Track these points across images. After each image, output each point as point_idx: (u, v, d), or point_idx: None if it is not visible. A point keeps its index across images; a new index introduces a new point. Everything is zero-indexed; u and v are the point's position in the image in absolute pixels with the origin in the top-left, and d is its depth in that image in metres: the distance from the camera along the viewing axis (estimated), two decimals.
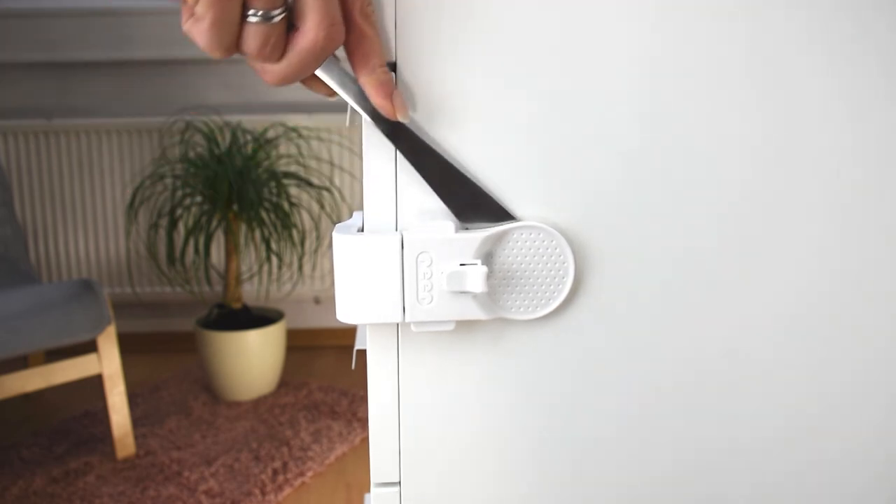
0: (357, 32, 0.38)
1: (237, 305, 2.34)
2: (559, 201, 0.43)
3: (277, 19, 0.35)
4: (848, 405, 0.47)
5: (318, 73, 0.39)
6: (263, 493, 1.77)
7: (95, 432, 2.07)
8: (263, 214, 2.24)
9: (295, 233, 2.31)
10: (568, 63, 0.41)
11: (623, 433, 0.47)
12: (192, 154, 2.30)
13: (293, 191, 2.38)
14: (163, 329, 2.75)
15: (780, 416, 0.47)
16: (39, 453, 1.97)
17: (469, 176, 0.42)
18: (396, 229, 0.43)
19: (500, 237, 0.42)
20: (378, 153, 0.42)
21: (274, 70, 0.37)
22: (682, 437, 0.47)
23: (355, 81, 0.39)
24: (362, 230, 0.43)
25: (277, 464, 1.90)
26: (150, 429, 2.09)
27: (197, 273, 2.38)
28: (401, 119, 0.40)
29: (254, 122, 2.45)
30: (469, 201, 0.42)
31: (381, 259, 0.41)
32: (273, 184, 2.28)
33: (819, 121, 0.43)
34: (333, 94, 0.40)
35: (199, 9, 0.34)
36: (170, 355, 2.65)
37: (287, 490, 1.80)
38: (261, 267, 2.38)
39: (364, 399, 2.27)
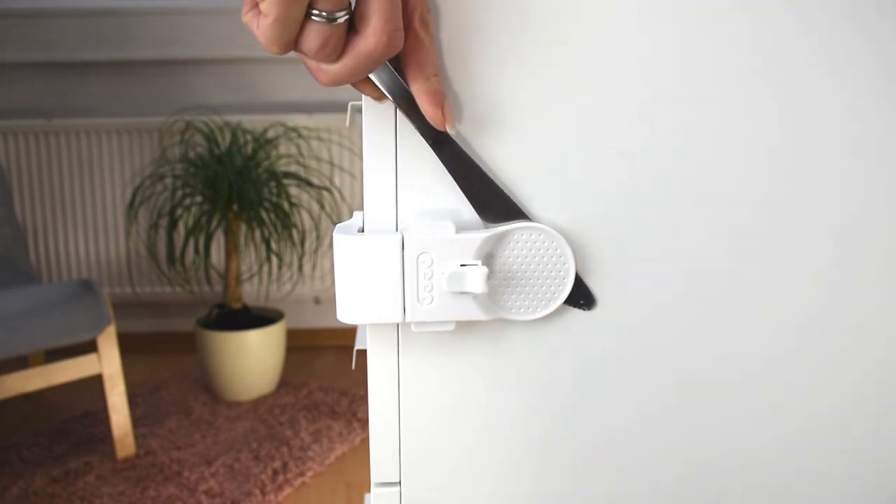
0: (414, 39, 0.38)
1: (237, 305, 2.34)
2: (560, 202, 0.43)
3: (341, 20, 0.35)
4: (850, 407, 0.47)
5: (372, 76, 0.39)
6: (263, 493, 1.77)
7: (95, 432, 2.07)
8: (263, 214, 2.24)
9: (295, 233, 2.31)
10: (570, 64, 0.41)
11: (623, 434, 0.47)
12: (192, 154, 2.30)
13: (293, 191, 2.38)
14: (163, 329, 2.75)
15: (781, 417, 0.47)
16: (39, 453, 1.97)
17: (503, 188, 0.42)
18: (397, 230, 0.43)
19: (500, 238, 0.42)
20: (378, 153, 0.42)
21: (330, 70, 0.37)
22: (683, 437, 0.47)
23: (406, 88, 0.39)
24: (363, 230, 0.43)
25: (277, 464, 1.90)
26: (150, 429, 2.09)
27: (197, 273, 2.38)
28: (449, 130, 0.40)
29: (254, 122, 2.45)
30: (503, 212, 0.42)
31: (382, 259, 0.41)
32: (273, 184, 2.28)
33: (823, 123, 0.43)
34: (382, 97, 0.40)
35: (265, 5, 0.34)
36: (170, 355, 2.65)
37: (287, 490, 1.80)
38: (261, 267, 2.38)
39: (364, 399, 2.27)
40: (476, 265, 0.41)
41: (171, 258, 2.27)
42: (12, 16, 2.50)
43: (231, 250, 2.29)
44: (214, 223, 2.23)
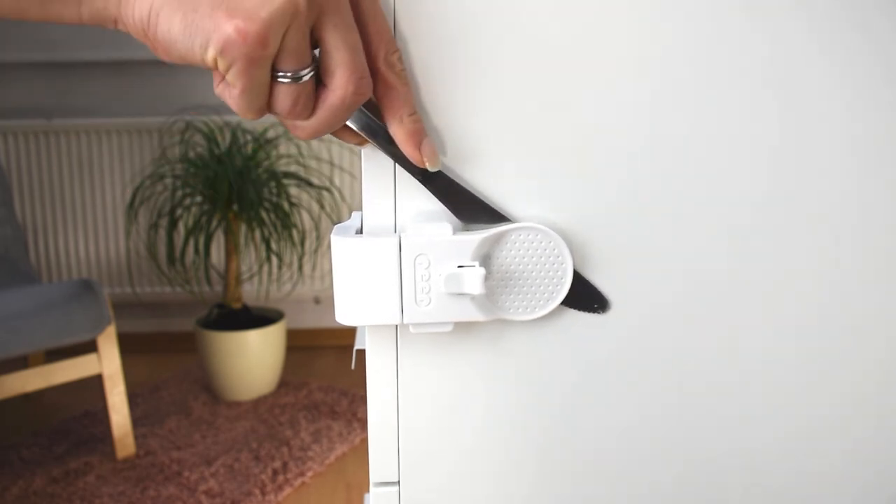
0: (384, 83, 0.38)
1: (237, 305, 2.34)
2: (557, 202, 0.43)
3: (306, 78, 0.36)
4: (850, 407, 0.47)
5: (349, 123, 0.40)
6: (263, 493, 1.77)
7: (95, 432, 2.07)
8: (263, 214, 2.24)
9: (295, 233, 2.31)
10: (569, 63, 0.41)
11: (623, 433, 0.47)
12: (192, 154, 2.30)
13: (293, 191, 2.39)
14: (163, 329, 2.75)
15: (782, 417, 0.47)
16: (39, 453, 1.97)
17: (499, 209, 0.42)
18: (395, 231, 0.43)
19: (497, 238, 0.42)
20: (377, 155, 0.41)
21: (306, 126, 0.38)
22: (683, 437, 0.47)
23: (385, 130, 0.40)
24: (361, 231, 0.43)
25: (277, 464, 1.90)
26: (150, 429, 2.09)
27: (197, 273, 2.38)
28: (430, 168, 0.40)
29: (254, 121, 2.45)
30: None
31: (380, 261, 0.41)
32: (273, 184, 2.28)
33: (823, 123, 0.43)
34: (364, 142, 0.41)
35: (231, 77, 0.35)
36: (170, 355, 2.65)
37: (287, 490, 1.80)
38: (261, 267, 2.38)
39: (364, 399, 2.27)
40: (473, 266, 0.41)
41: (171, 258, 2.27)
42: None
43: (231, 250, 2.29)
44: (214, 223, 2.23)
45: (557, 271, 0.42)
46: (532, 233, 0.42)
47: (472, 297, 0.42)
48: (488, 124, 0.42)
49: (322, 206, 2.39)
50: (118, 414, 1.92)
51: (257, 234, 2.28)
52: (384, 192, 0.42)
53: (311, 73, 0.36)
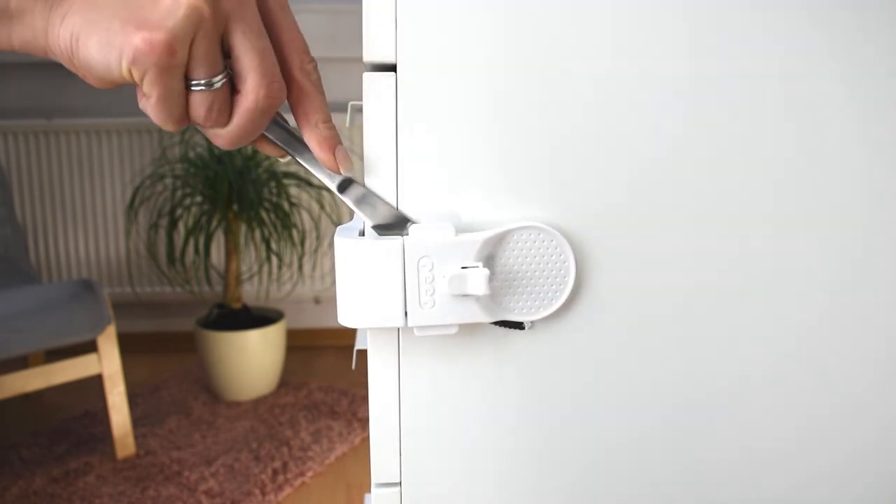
0: (297, 89, 0.39)
1: (237, 305, 2.34)
2: (560, 202, 0.43)
3: (219, 85, 0.37)
4: (851, 413, 0.47)
5: (266, 133, 0.40)
6: (263, 493, 1.77)
7: (95, 432, 2.07)
8: (263, 214, 2.24)
9: (295, 233, 2.30)
10: (573, 65, 0.41)
11: (624, 435, 0.47)
12: (192, 154, 2.30)
13: (293, 191, 2.38)
14: (163, 329, 2.75)
15: (783, 423, 0.47)
16: (39, 453, 1.97)
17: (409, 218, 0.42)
18: (396, 231, 0.42)
19: (500, 239, 0.42)
20: (380, 156, 0.41)
21: (222, 134, 0.39)
22: (685, 439, 0.47)
23: (301, 138, 0.41)
24: (363, 233, 0.43)
25: (277, 464, 1.90)
26: (150, 429, 2.09)
27: (197, 273, 2.38)
28: (343, 172, 0.41)
29: None
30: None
31: (383, 263, 0.41)
32: (273, 184, 2.28)
33: (828, 126, 0.43)
34: (284, 153, 0.42)
35: (146, 87, 0.36)
36: (170, 355, 2.65)
37: (287, 490, 1.80)
38: (261, 267, 2.38)
39: (364, 399, 2.27)
40: (477, 267, 0.41)
41: (171, 258, 2.27)
42: None
43: (231, 250, 2.29)
44: (214, 223, 2.23)
45: (560, 271, 0.42)
46: (535, 232, 0.42)
47: (477, 299, 0.41)
48: (488, 123, 0.42)
49: (322, 206, 2.39)
50: (118, 414, 1.92)
51: (257, 234, 2.28)
52: (387, 193, 0.42)
53: (224, 80, 0.37)
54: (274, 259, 2.32)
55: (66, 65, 0.37)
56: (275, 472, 1.86)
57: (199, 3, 0.35)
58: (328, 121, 0.40)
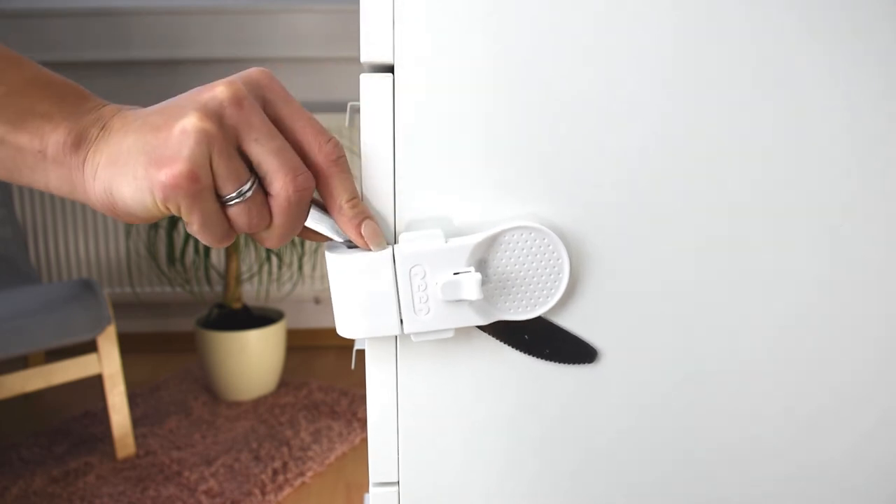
0: (319, 173, 0.40)
1: (237, 305, 2.34)
2: (553, 200, 0.43)
3: (249, 193, 0.38)
4: (848, 405, 0.47)
5: (309, 224, 0.41)
6: (263, 493, 1.77)
7: (95, 432, 2.07)
8: None
9: None
10: (569, 63, 0.41)
11: (621, 433, 0.47)
12: None
13: None
14: (163, 329, 2.75)
15: (780, 415, 0.47)
16: (39, 453, 1.97)
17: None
18: (395, 238, 0.42)
19: (491, 241, 0.42)
20: (377, 157, 0.42)
21: (269, 235, 0.40)
22: (681, 436, 0.47)
23: (332, 220, 0.41)
24: (351, 244, 0.43)
25: (277, 464, 1.90)
26: (150, 429, 2.09)
27: (197, 273, 2.38)
28: (374, 249, 0.41)
29: None
30: None
31: (374, 275, 0.41)
32: None
33: (822, 124, 0.43)
34: (330, 238, 0.42)
35: (185, 216, 0.38)
36: (170, 355, 2.65)
37: (287, 490, 1.80)
38: (261, 267, 2.38)
39: (364, 399, 2.27)
40: (469, 272, 0.41)
41: (171, 258, 2.27)
42: (12, 16, 2.50)
43: (231, 250, 2.29)
44: None
45: (554, 268, 0.42)
46: (525, 232, 0.42)
47: (471, 302, 0.42)
48: (485, 123, 0.42)
49: None
50: (118, 414, 1.92)
51: None
52: (383, 202, 0.42)
53: (253, 187, 0.38)
54: (274, 259, 2.32)
55: (110, 215, 0.40)
56: (275, 472, 1.86)
57: (205, 125, 0.36)
58: (352, 199, 0.40)
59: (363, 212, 0.41)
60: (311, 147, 0.40)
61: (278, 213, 0.39)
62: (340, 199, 0.40)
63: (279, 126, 0.39)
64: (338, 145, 0.40)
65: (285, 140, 0.39)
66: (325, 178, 0.40)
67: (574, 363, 0.45)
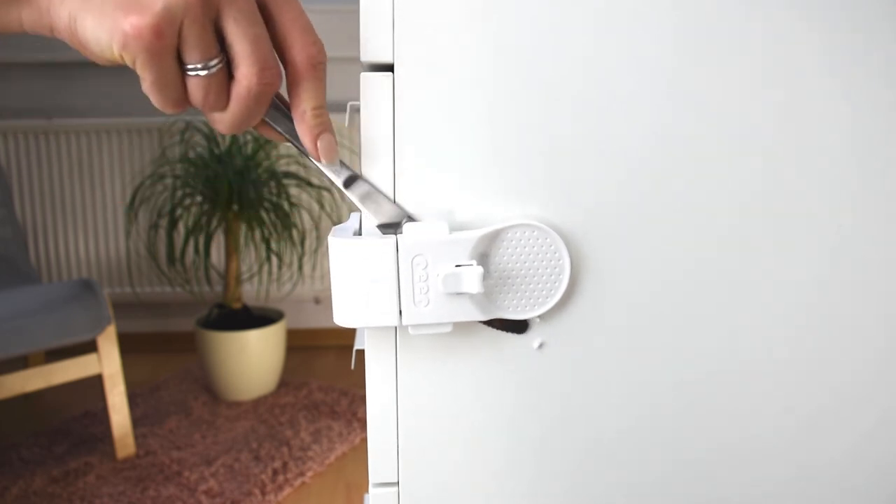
0: (293, 74, 0.39)
1: (237, 305, 2.34)
2: (554, 200, 0.43)
3: (214, 70, 0.37)
4: (847, 405, 0.47)
5: (267, 119, 0.40)
6: (263, 493, 1.77)
7: (95, 432, 2.07)
8: (263, 214, 2.24)
9: (295, 233, 2.30)
10: (569, 62, 0.41)
11: (622, 432, 0.47)
12: (191, 154, 2.30)
13: (293, 191, 2.38)
14: (163, 329, 2.75)
15: (779, 416, 0.47)
16: (39, 453, 1.97)
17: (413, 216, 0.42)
18: (396, 231, 0.42)
19: (494, 237, 0.42)
20: (377, 156, 0.42)
21: (222, 119, 0.39)
22: (681, 436, 0.47)
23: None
24: (360, 232, 0.43)
25: (277, 464, 1.90)
26: (150, 429, 2.09)
27: (197, 273, 2.38)
28: (324, 162, 0.40)
29: None
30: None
31: (377, 262, 0.41)
32: (273, 184, 2.28)
33: (822, 124, 0.43)
34: (287, 140, 0.41)
35: (139, 70, 0.36)
36: (170, 355, 2.65)
37: (287, 490, 1.80)
38: (261, 267, 2.38)
39: (364, 399, 2.27)
40: (471, 265, 0.41)
41: (171, 258, 2.27)
42: None
43: (231, 250, 2.29)
44: (214, 223, 2.23)
45: (555, 268, 0.42)
46: (528, 230, 0.42)
47: (471, 297, 0.42)
48: (483, 122, 0.42)
49: (322, 206, 2.39)
50: (118, 414, 1.92)
51: (257, 234, 2.28)
52: (384, 192, 0.42)
53: (219, 65, 0.37)
54: (274, 259, 2.32)
55: (68, 42, 0.38)
56: (275, 472, 1.86)
57: None
58: (318, 108, 0.39)
59: (324, 124, 0.40)
60: (295, 43, 0.38)
61: (235, 100, 0.38)
62: (306, 104, 0.39)
63: (267, 13, 0.38)
64: (322, 50, 0.39)
65: (266, 31, 0.37)
66: (299, 80, 0.39)
67: (508, 331, 0.44)
